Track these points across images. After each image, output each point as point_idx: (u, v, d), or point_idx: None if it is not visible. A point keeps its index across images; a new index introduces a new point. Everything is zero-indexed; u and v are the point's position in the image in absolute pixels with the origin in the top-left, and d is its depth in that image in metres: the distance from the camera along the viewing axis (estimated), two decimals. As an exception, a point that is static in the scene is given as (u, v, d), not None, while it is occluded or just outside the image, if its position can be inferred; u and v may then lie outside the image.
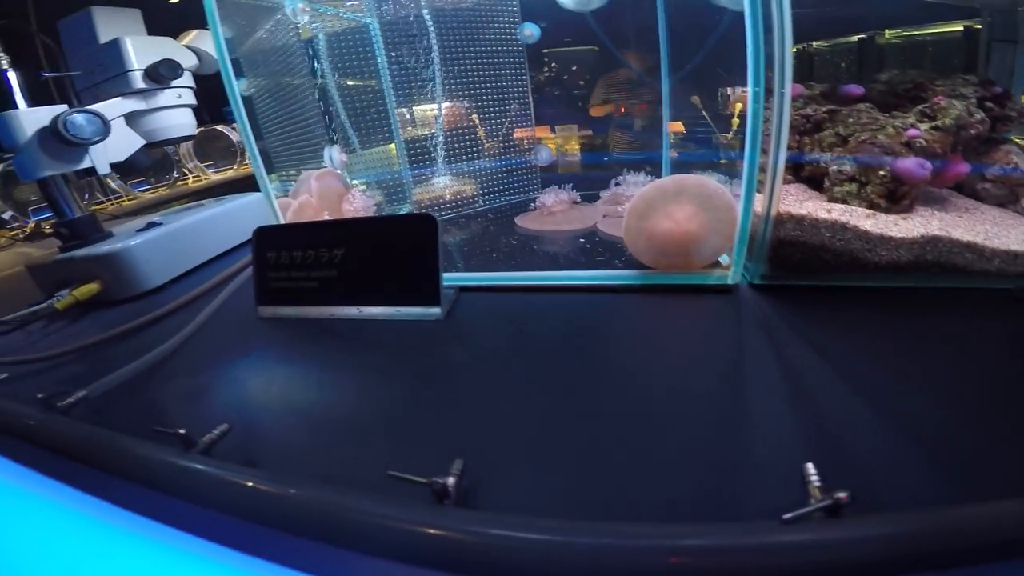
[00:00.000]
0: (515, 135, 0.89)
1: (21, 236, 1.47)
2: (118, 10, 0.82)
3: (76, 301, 0.68)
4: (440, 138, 0.85)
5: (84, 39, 0.81)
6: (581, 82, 1.03)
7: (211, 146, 1.87)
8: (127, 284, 0.72)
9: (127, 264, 0.71)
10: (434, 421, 0.38)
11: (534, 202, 0.79)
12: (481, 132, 0.87)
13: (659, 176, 0.84)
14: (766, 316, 0.48)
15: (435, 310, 0.50)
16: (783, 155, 0.50)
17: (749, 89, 0.48)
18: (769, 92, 0.49)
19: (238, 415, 0.41)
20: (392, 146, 0.85)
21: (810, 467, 0.27)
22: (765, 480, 0.30)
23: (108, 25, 0.80)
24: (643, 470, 0.31)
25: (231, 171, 1.81)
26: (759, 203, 0.52)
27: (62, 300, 0.67)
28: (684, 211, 0.54)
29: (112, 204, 1.62)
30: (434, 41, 0.81)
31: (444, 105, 0.84)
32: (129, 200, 1.60)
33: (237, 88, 0.58)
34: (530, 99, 0.88)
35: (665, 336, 0.47)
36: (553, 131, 0.96)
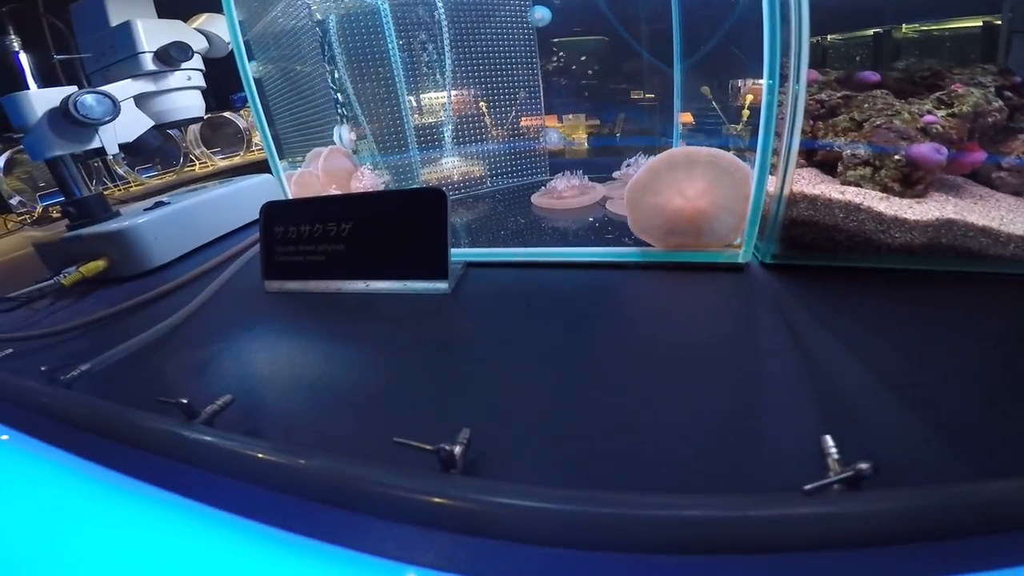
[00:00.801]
0: (524, 122, 0.88)
1: (29, 220, 1.48)
2: (128, -6, 0.82)
3: (82, 277, 0.68)
4: (449, 120, 0.85)
5: (95, 22, 0.81)
6: (590, 71, 1.03)
7: (218, 132, 1.87)
8: (134, 261, 0.72)
9: (134, 241, 0.71)
10: (441, 393, 0.38)
11: (545, 185, 0.78)
12: (488, 118, 0.87)
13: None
14: (778, 294, 0.47)
15: (443, 284, 0.49)
16: (798, 134, 0.49)
17: (765, 66, 0.47)
18: (784, 77, 0.49)
19: (242, 387, 0.41)
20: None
21: (828, 439, 0.27)
22: (780, 453, 0.29)
23: (119, 8, 0.80)
24: (655, 442, 0.31)
25: (238, 157, 1.81)
26: (771, 184, 0.51)
27: (69, 276, 0.67)
28: (696, 186, 0.52)
29: (119, 190, 1.61)
30: (444, 23, 0.81)
31: (453, 89, 0.84)
32: (136, 186, 1.60)
33: (250, 69, 0.58)
34: (539, 83, 0.87)
35: (676, 312, 0.47)
36: (560, 120, 0.96)
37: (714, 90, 0.86)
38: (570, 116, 1.03)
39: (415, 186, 0.85)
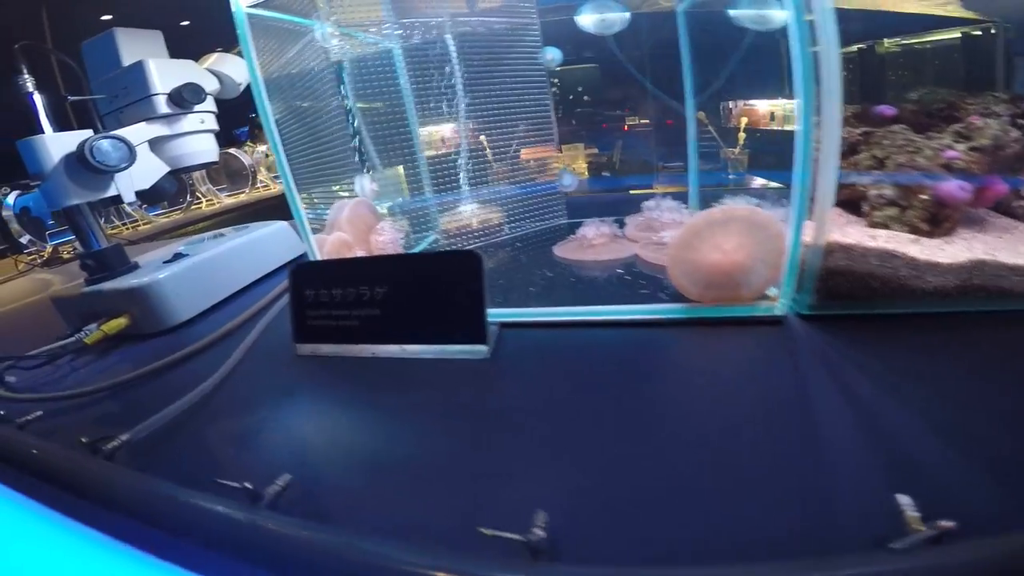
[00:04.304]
0: (536, 156, 0.88)
1: (39, 261, 1.47)
2: (140, 32, 0.82)
3: (105, 336, 0.67)
4: (464, 164, 0.85)
5: (107, 61, 0.80)
6: (586, 98, 1.03)
7: (223, 169, 1.87)
8: (156, 318, 0.71)
9: (156, 298, 0.70)
10: (496, 467, 0.37)
11: (574, 233, 0.78)
12: (498, 162, 0.87)
13: (685, 201, 0.84)
14: (819, 347, 0.47)
15: (481, 348, 0.49)
16: (833, 177, 0.49)
17: (799, 102, 0.47)
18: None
19: (293, 461, 0.40)
20: (401, 169, 0.84)
21: (903, 497, 0.27)
22: (850, 513, 0.29)
23: (131, 47, 0.79)
24: (723, 508, 0.31)
25: (243, 194, 1.81)
26: (804, 232, 0.51)
27: (91, 335, 0.66)
28: (732, 241, 0.53)
29: (127, 228, 1.61)
30: (457, 67, 0.81)
31: (467, 131, 0.83)
32: (145, 224, 1.60)
33: (271, 113, 0.57)
34: (554, 125, 0.87)
35: (721, 369, 0.47)
36: (559, 150, 0.96)
37: (708, 114, 0.86)
38: (568, 146, 1.04)
39: (432, 235, 0.85)
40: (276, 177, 2.88)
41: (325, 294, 0.52)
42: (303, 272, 0.54)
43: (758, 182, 1.15)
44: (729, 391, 0.43)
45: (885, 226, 0.58)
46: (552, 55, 0.84)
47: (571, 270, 0.71)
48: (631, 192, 1.22)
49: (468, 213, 0.86)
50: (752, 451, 0.35)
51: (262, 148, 2.91)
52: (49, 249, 1.51)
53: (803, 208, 0.50)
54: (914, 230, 0.56)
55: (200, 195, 1.74)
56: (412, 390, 0.48)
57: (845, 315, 0.51)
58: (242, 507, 0.32)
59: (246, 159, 1.81)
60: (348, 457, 0.41)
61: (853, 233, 0.55)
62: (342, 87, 0.77)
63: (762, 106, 1.25)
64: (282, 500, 0.34)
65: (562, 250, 0.76)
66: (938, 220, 0.56)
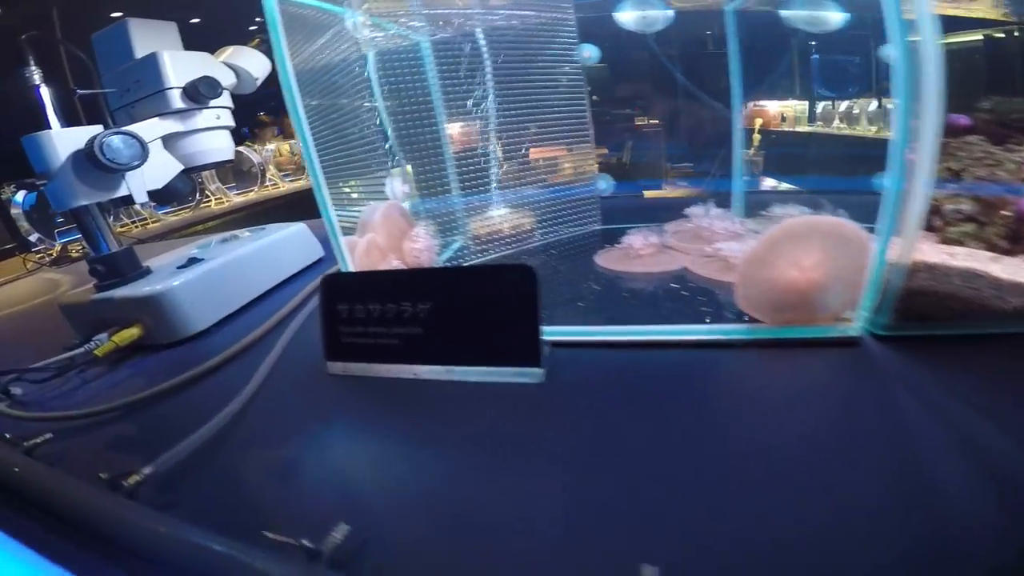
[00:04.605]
0: (573, 166, 0.84)
1: (47, 260, 1.43)
2: (154, 23, 0.77)
3: (116, 347, 0.63)
4: (494, 165, 0.80)
5: (119, 53, 0.75)
6: (595, 97, 0.99)
7: (231, 168, 1.83)
8: (170, 328, 0.66)
9: (170, 306, 0.65)
10: (577, 514, 0.33)
11: (616, 240, 0.73)
12: (536, 161, 0.82)
13: (728, 207, 0.79)
14: (902, 368, 0.43)
15: (537, 371, 0.44)
16: (927, 191, 0.44)
17: (898, 103, 0.42)
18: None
19: (342, 506, 0.35)
20: (409, 168, 0.79)
21: None
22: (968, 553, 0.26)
23: (144, 39, 0.74)
24: (834, 548, 0.28)
25: (252, 193, 1.77)
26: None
27: (101, 347, 0.62)
28: (812, 257, 0.48)
29: (136, 227, 1.57)
30: (487, 63, 0.76)
31: (498, 130, 0.79)
32: (153, 223, 1.56)
33: (301, 106, 0.52)
34: (590, 125, 0.82)
35: (799, 394, 0.43)
36: (570, 150, 0.91)
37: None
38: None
39: (459, 239, 0.80)
40: (285, 175, 2.85)
41: (361, 310, 0.47)
42: (336, 284, 0.49)
43: (768, 183, 1.12)
44: (810, 418, 0.39)
45: (959, 243, 0.54)
46: (589, 52, 0.80)
47: (618, 282, 0.66)
48: (645, 195, 1.18)
49: (499, 217, 0.81)
50: (843, 483, 0.32)
51: (271, 146, 2.87)
52: (58, 247, 1.47)
53: (893, 222, 0.45)
54: (992, 247, 0.52)
55: (209, 193, 1.70)
56: (462, 419, 0.43)
57: (922, 336, 0.47)
58: (302, 569, 0.27)
59: (255, 157, 1.77)
60: (403, 501, 0.35)
61: (927, 250, 0.51)
62: (371, 81, 0.72)
63: (772, 107, 1.21)
64: (341, 555, 0.29)
65: (605, 260, 0.71)
66: (1018, 237, 0.52)
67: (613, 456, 0.37)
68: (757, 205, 0.77)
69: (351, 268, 0.55)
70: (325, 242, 0.98)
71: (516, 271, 0.43)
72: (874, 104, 1.94)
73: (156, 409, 0.52)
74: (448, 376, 0.46)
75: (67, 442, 0.49)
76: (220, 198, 1.70)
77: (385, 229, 0.65)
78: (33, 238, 1.46)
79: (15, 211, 1.73)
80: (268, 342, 0.62)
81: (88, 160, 0.63)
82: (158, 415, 0.51)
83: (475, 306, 0.45)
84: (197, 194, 1.65)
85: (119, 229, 1.65)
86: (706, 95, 0.84)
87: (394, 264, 0.64)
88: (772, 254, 0.49)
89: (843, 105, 1.31)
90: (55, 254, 1.47)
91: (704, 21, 0.85)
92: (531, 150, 0.82)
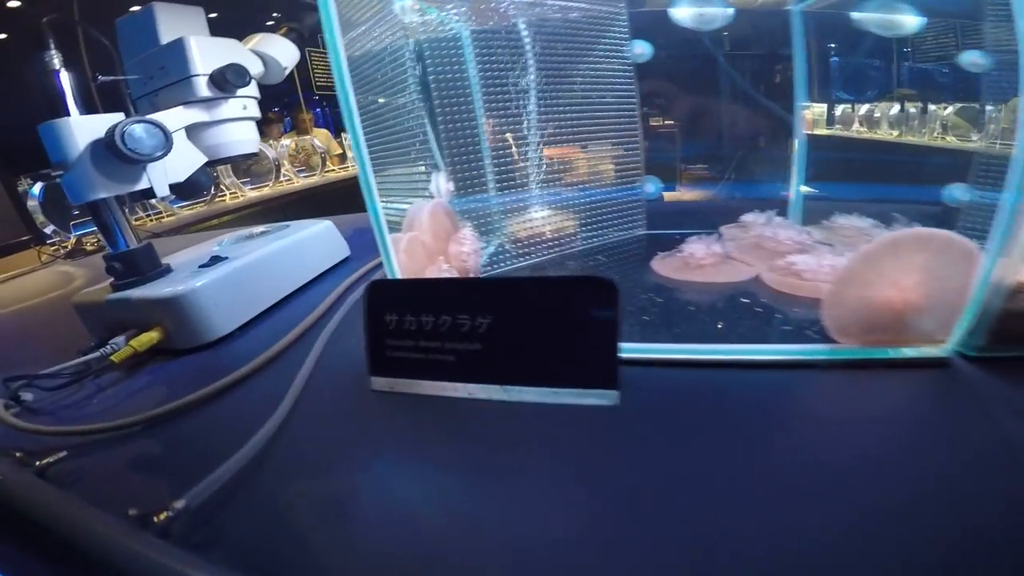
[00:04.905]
0: (621, 167, 0.79)
1: (62, 253, 1.40)
2: (181, 7, 0.72)
3: (134, 352, 0.58)
4: (535, 163, 0.75)
5: (144, 39, 0.70)
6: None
7: (246, 162, 1.80)
8: (193, 332, 0.61)
9: (192, 309, 0.60)
10: (662, 545, 0.28)
11: (678, 248, 0.67)
12: (581, 161, 0.77)
13: (784, 215, 0.74)
14: (996, 391, 0.39)
15: (611, 393, 0.39)
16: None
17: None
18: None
19: (412, 552, 0.30)
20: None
21: None
22: None
23: (170, 24, 0.70)
24: None
25: (267, 188, 1.73)
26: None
27: (119, 352, 0.57)
28: (913, 276, 0.43)
29: (151, 220, 1.53)
30: (530, 57, 0.71)
31: (541, 127, 0.74)
32: (168, 216, 1.52)
33: (351, 93, 0.47)
34: (639, 124, 0.78)
35: (891, 420, 0.38)
36: (585, 149, 0.86)
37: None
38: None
39: (496, 240, 0.75)
40: (300, 171, 2.82)
41: (411, 321, 0.42)
42: (383, 292, 0.44)
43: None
44: (908, 449, 0.35)
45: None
46: (642, 49, 0.75)
47: (681, 294, 0.60)
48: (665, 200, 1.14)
49: (540, 219, 0.76)
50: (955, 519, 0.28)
51: (286, 142, 2.84)
52: (73, 240, 1.44)
53: (1006, 239, 0.40)
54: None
55: (224, 188, 1.66)
56: (527, 444, 0.38)
57: (1014, 357, 0.43)
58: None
59: (271, 152, 1.73)
60: (483, 551, 0.30)
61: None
62: (417, 72, 0.67)
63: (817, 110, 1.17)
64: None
65: (663, 268, 0.65)
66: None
67: (693, 487, 0.33)
68: (818, 214, 0.72)
69: (397, 271, 0.50)
70: (350, 239, 0.94)
71: (595, 285, 0.38)
72: (896, 108, 1.89)
73: (180, 425, 0.47)
74: (505, 396, 0.41)
75: (83, 461, 0.44)
76: (235, 192, 1.66)
77: (432, 230, 0.60)
78: (49, 230, 1.43)
79: (31, 203, 1.71)
80: (299, 350, 0.58)
81: (108, 150, 0.59)
82: (183, 432, 0.46)
83: (544, 321, 0.39)
84: (212, 188, 1.61)
85: (135, 222, 1.61)
86: (764, 97, 0.79)
87: (442, 268, 0.59)
88: (871, 271, 0.44)
89: (863, 108, 1.27)
90: (70, 247, 1.43)
91: (760, 21, 0.81)
92: (575, 149, 0.77)
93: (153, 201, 1.48)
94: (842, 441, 0.36)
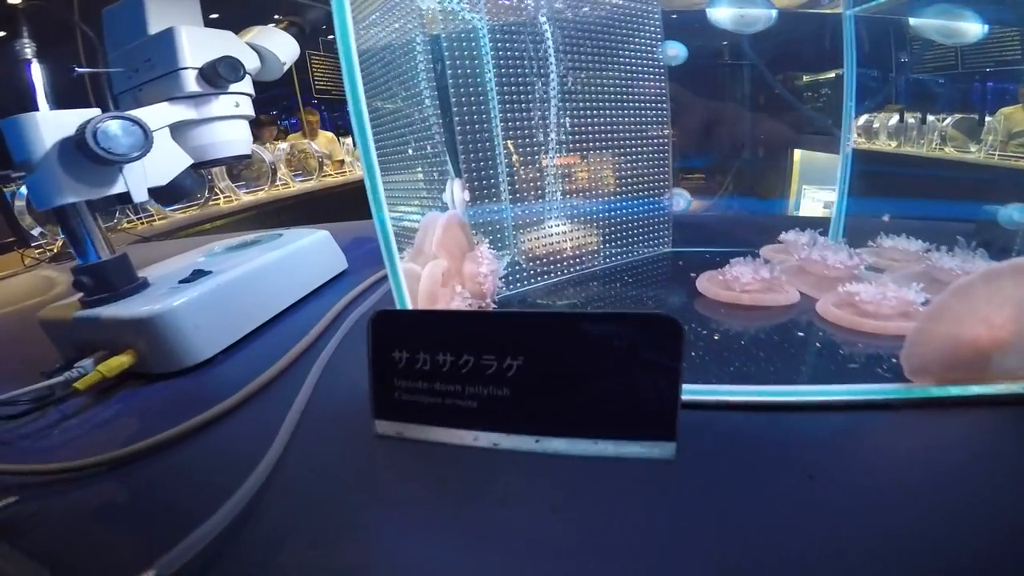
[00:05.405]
0: (641, 174, 0.73)
1: (47, 256, 1.33)
2: (173, -3, 0.66)
3: (102, 378, 0.51)
4: (558, 175, 0.69)
5: (131, 29, 0.63)
6: None
7: (240, 165, 1.74)
8: (169, 357, 0.54)
9: (170, 331, 0.53)
10: None
11: (722, 272, 0.60)
12: (607, 173, 0.71)
13: (826, 234, 0.68)
14: None
15: (668, 445, 0.32)
16: None
17: None
18: None
19: None
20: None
21: None
22: None
23: (161, 13, 0.63)
24: None
25: (262, 192, 1.67)
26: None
27: (84, 378, 0.50)
28: (1005, 312, 0.37)
29: (142, 223, 1.46)
30: (551, 56, 0.65)
31: (562, 130, 0.67)
32: (161, 219, 1.45)
33: (362, 91, 0.40)
34: (670, 133, 0.71)
35: (979, 464, 0.34)
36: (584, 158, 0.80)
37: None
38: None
39: (507, 255, 0.68)
40: (297, 175, 2.73)
41: (424, 360, 0.35)
42: (390, 325, 0.37)
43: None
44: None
45: None
46: (675, 50, 0.69)
47: (725, 324, 0.53)
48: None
49: (559, 233, 0.69)
50: None
51: (283, 145, 2.76)
52: (60, 242, 1.37)
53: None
54: None
55: (219, 191, 1.59)
56: (574, 515, 0.31)
57: None
58: None
59: (267, 156, 1.67)
60: None
61: None
62: (429, 67, 0.60)
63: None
64: None
65: (705, 292, 0.59)
66: None
67: (764, 552, 0.27)
68: (862, 234, 0.66)
69: (407, 299, 0.43)
70: (348, 250, 0.87)
71: (656, 323, 0.31)
72: (895, 119, 1.85)
73: (152, 467, 0.40)
74: (538, 448, 0.34)
75: (37, 507, 0.37)
76: (229, 196, 1.59)
77: (446, 248, 0.53)
78: (36, 232, 1.36)
79: (19, 203, 1.64)
80: (292, 379, 0.51)
81: (78, 149, 0.52)
82: (155, 477, 0.39)
83: (589, 364, 0.33)
84: (206, 191, 1.54)
85: (125, 226, 1.54)
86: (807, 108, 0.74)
87: (457, 291, 0.52)
88: (964, 306, 0.38)
89: (862, 119, 1.23)
90: (56, 249, 1.37)
91: (803, 24, 0.75)
92: (598, 157, 0.70)
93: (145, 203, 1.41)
94: (925, 489, 0.31)
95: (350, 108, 0.40)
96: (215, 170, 1.53)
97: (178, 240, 1.58)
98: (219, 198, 1.62)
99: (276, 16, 0.83)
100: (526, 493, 0.33)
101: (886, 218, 0.68)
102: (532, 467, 0.35)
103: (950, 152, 1.76)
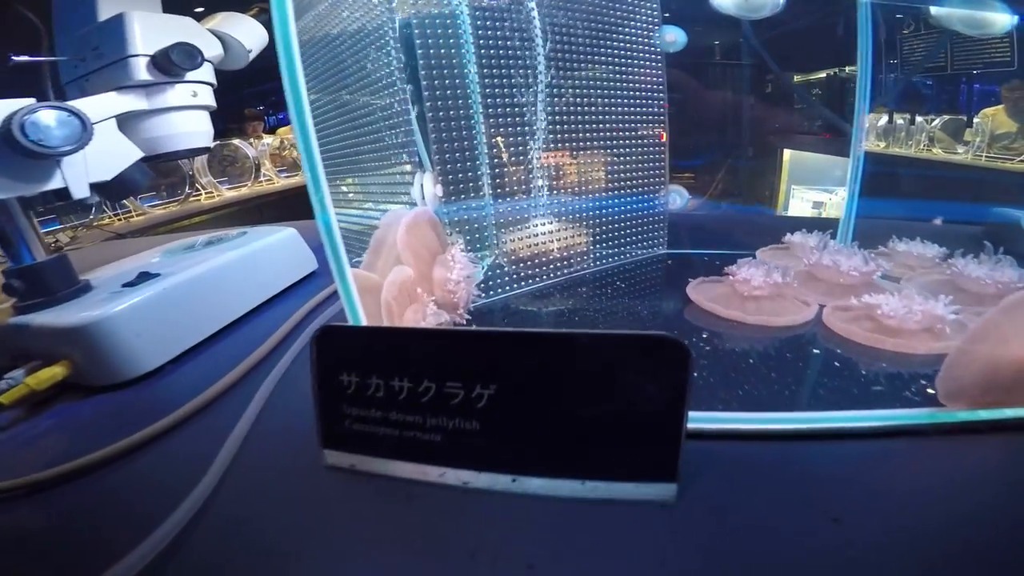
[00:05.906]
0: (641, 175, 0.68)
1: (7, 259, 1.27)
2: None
3: (31, 391, 0.45)
4: (544, 171, 0.63)
5: (81, 15, 0.59)
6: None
7: (224, 160, 1.68)
8: (107, 369, 0.48)
9: (107, 341, 0.47)
10: None
11: (729, 274, 0.55)
12: (597, 169, 0.66)
13: (835, 236, 0.63)
14: None
15: (668, 487, 0.27)
16: None
17: None
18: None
19: None
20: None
21: None
22: None
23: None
24: None
25: (245, 188, 1.62)
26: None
27: (11, 391, 0.44)
28: None
29: (119, 219, 1.40)
30: (539, 42, 0.60)
31: (550, 120, 0.62)
32: (139, 215, 1.39)
33: (303, 81, 0.35)
34: (665, 126, 0.66)
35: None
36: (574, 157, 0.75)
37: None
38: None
39: (488, 257, 0.62)
40: (281, 171, 2.66)
41: (377, 385, 0.30)
42: (336, 342, 0.31)
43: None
44: None
45: None
46: (674, 36, 0.64)
47: (729, 339, 0.48)
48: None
49: (545, 233, 0.64)
50: None
51: (268, 140, 2.68)
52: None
53: None
54: None
55: (200, 187, 1.54)
56: (562, 570, 0.26)
57: None
58: None
59: (251, 151, 1.61)
60: None
61: None
62: (398, 48, 0.55)
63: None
64: None
65: (706, 298, 0.54)
66: None
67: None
68: (872, 237, 0.61)
69: (360, 313, 0.37)
70: (318, 249, 0.81)
71: (657, 347, 0.26)
72: (884, 119, 1.83)
73: (76, 492, 0.36)
74: (515, 488, 0.29)
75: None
76: (211, 192, 1.54)
77: (412, 249, 0.47)
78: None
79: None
80: (241, 394, 0.45)
81: (5, 143, 0.46)
82: (77, 503, 0.35)
83: (576, 394, 0.27)
84: (187, 187, 1.48)
85: (101, 223, 1.48)
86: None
87: (427, 302, 0.46)
88: (1012, 325, 0.34)
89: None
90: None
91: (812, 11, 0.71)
92: (588, 150, 0.65)
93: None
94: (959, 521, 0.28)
95: (286, 89, 0.34)
96: (197, 165, 1.47)
97: (152, 238, 1.52)
98: (200, 194, 1.56)
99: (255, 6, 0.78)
100: (500, 542, 0.28)
101: (938, 221, 0.64)
102: (508, 510, 0.29)
103: (938, 153, 1.74)
